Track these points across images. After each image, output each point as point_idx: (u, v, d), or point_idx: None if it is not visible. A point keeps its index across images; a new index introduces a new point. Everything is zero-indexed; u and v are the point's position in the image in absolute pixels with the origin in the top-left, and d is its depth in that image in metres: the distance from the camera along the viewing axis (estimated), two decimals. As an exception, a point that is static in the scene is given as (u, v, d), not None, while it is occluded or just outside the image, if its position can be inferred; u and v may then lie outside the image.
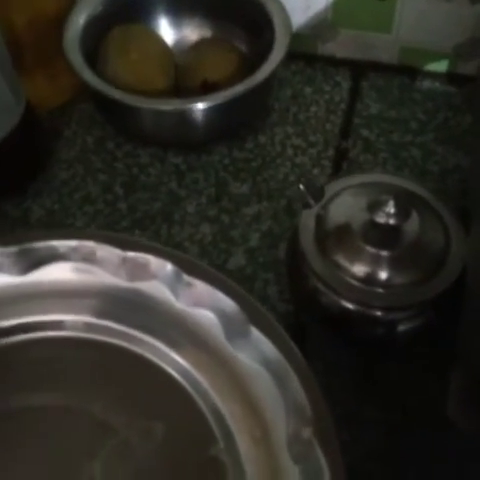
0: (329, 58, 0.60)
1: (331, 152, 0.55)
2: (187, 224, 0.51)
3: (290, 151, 0.55)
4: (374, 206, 0.40)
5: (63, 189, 0.53)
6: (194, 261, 0.32)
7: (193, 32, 0.59)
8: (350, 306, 0.42)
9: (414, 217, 0.41)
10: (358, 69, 0.60)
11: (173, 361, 0.30)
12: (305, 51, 0.60)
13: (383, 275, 0.41)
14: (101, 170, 0.54)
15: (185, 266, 0.32)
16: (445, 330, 0.40)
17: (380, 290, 0.41)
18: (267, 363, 0.29)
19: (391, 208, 0.39)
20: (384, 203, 0.40)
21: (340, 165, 0.54)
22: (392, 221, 0.40)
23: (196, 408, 0.30)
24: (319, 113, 0.57)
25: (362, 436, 0.40)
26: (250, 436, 0.29)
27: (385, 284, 0.41)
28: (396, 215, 0.39)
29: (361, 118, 0.57)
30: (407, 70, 0.59)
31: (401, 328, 0.42)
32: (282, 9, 0.54)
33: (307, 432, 0.27)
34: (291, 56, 0.58)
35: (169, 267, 0.31)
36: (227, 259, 0.49)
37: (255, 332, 0.30)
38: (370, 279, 0.41)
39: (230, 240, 0.50)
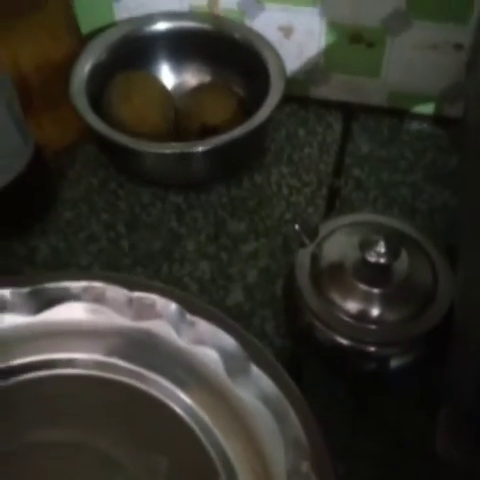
0: (322, 101, 0.63)
1: (324, 191, 0.57)
2: (187, 262, 0.53)
3: (285, 190, 0.57)
4: (365, 245, 0.42)
5: (68, 228, 0.55)
6: (196, 300, 0.34)
7: (193, 77, 0.62)
8: (344, 341, 0.44)
9: (403, 256, 0.43)
10: (349, 111, 0.63)
11: (178, 398, 0.32)
12: (299, 94, 0.63)
13: (375, 312, 0.43)
14: (104, 209, 0.56)
15: (188, 305, 0.34)
16: (435, 365, 0.42)
17: (372, 326, 0.43)
18: (266, 399, 0.31)
19: (381, 248, 0.42)
20: (375, 243, 0.42)
21: (333, 203, 0.57)
22: (383, 260, 0.42)
23: (199, 444, 0.32)
24: (312, 154, 0.60)
25: (357, 469, 0.42)
26: (251, 471, 0.31)
27: (377, 320, 0.43)
28: (386, 254, 0.42)
29: (352, 158, 0.59)
30: (396, 112, 0.62)
31: (393, 363, 0.44)
32: (277, 56, 0.57)
33: (305, 466, 0.29)
34: (286, 99, 0.61)
35: (173, 307, 0.33)
36: (226, 296, 0.51)
37: (255, 369, 0.32)
38: (362, 315, 0.43)
39: (228, 277, 0.52)
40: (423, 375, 0.43)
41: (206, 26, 0.59)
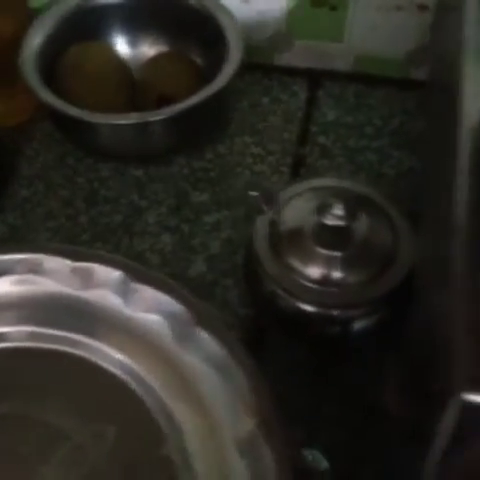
0: (286, 68, 0.62)
1: (289, 159, 0.56)
2: (148, 235, 0.52)
3: (249, 160, 0.56)
4: (323, 209, 0.41)
5: (25, 205, 0.54)
6: (141, 267, 0.33)
7: (150, 48, 0.60)
8: (306, 307, 0.43)
9: (362, 218, 0.42)
10: (314, 78, 0.61)
11: (122, 364, 0.31)
12: (262, 62, 0.62)
13: (336, 275, 0.42)
14: (62, 185, 0.55)
15: (132, 272, 0.32)
16: (398, 327, 0.41)
17: (334, 290, 0.42)
18: (214, 362, 0.30)
19: (339, 210, 0.40)
20: (332, 206, 0.41)
21: (298, 172, 0.55)
22: (340, 222, 0.41)
23: (146, 409, 0.30)
24: (277, 122, 0.58)
25: (319, 432, 0.41)
26: (199, 434, 0.30)
27: (338, 284, 0.42)
28: (344, 217, 0.40)
29: (318, 125, 0.58)
30: (362, 77, 0.60)
31: (356, 325, 0.43)
32: (235, 22, 0.55)
33: (251, 423, 0.28)
34: (248, 67, 0.59)
35: (117, 274, 0.32)
36: (188, 267, 0.50)
37: (202, 333, 0.31)
38: (324, 280, 0.42)
39: (190, 249, 0.51)
40: (385, 336, 0.42)
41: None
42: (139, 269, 0.33)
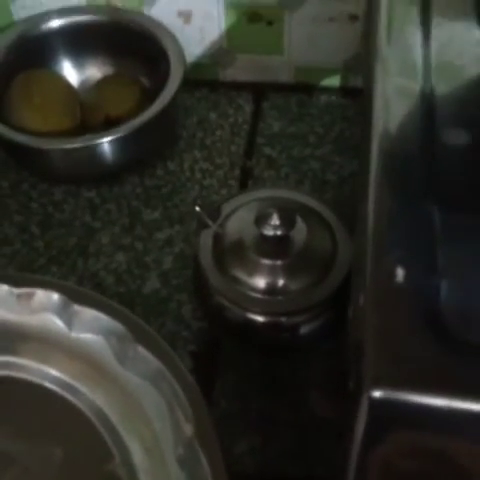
0: (231, 83, 0.63)
1: (237, 172, 0.57)
2: (102, 255, 0.53)
3: (198, 175, 0.58)
4: (261, 220, 0.43)
5: (-19, 233, 0.55)
6: (81, 289, 0.34)
7: (98, 71, 0.61)
8: (253, 316, 0.44)
9: (301, 226, 0.43)
10: (259, 91, 0.63)
11: (67, 385, 0.32)
12: (207, 78, 0.63)
13: (279, 283, 0.44)
14: (17, 211, 0.56)
15: (72, 295, 0.34)
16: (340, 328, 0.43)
17: (279, 298, 0.44)
18: (152, 376, 0.31)
19: (276, 220, 0.42)
20: (269, 216, 0.42)
21: (246, 184, 0.57)
22: (278, 232, 0.42)
23: (92, 428, 0.32)
24: (224, 136, 0.60)
25: (274, 437, 0.43)
26: (143, 447, 0.31)
27: (282, 291, 0.44)
28: (281, 226, 0.42)
29: (264, 137, 0.60)
30: (304, 88, 0.62)
31: (303, 330, 0.44)
32: (176, 42, 0.57)
33: (188, 430, 0.29)
34: (195, 84, 0.61)
35: (57, 297, 0.33)
36: (142, 284, 0.51)
37: (141, 349, 0.32)
38: (268, 289, 0.44)
39: (144, 266, 0.52)
40: (330, 338, 0.44)
41: (104, 18, 0.59)
42: (79, 291, 0.34)
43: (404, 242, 0.27)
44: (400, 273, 0.26)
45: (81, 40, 0.60)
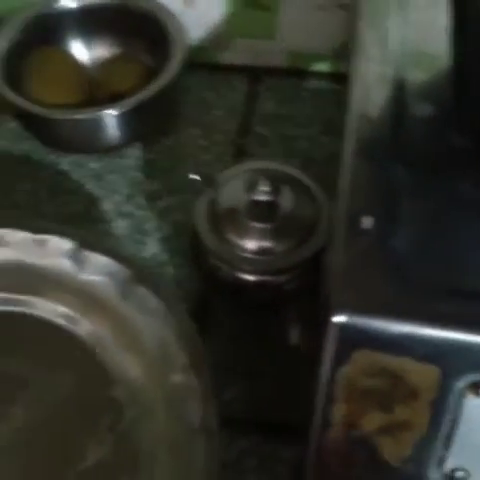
0: (228, 66, 0.67)
1: (231, 149, 0.62)
2: (104, 221, 0.57)
3: (196, 150, 0.62)
4: (252, 187, 0.47)
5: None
6: (91, 237, 0.39)
7: (106, 50, 0.65)
8: (244, 276, 0.49)
9: (287, 194, 0.48)
10: (254, 74, 0.67)
11: (74, 320, 0.37)
12: (207, 61, 0.67)
13: (267, 245, 0.48)
14: (27, 179, 0.60)
15: (84, 242, 0.38)
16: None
17: (267, 258, 0.48)
18: (153, 312, 0.36)
19: (265, 187, 0.47)
20: (258, 183, 0.47)
21: (240, 160, 0.61)
22: (267, 197, 0.47)
23: (96, 357, 0.36)
24: (221, 115, 0.64)
25: (261, 386, 0.47)
26: (142, 374, 0.36)
27: (270, 252, 0.48)
28: (269, 192, 0.47)
29: (257, 117, 0.64)
30: (296, 72, 0.67)
31: (287, 287, 0.49)
32: (178, 25, 0.61)
33: (184, 359, 0.34)
34: (195, 66, 0.65)
35: (69, 244, 0.38)
36: (142, 249, 0.56)
37: (143, 290, 0.37)
38: (258, 250, 0.48)
39: (144, 232, 0.57)
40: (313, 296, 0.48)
41: (113, 2, 0.63)
42: (90, 239, 0.39)
43: (371, 196, 0.32)
44: (366, 221, 0.30)
45: (91, 21, 0.64)
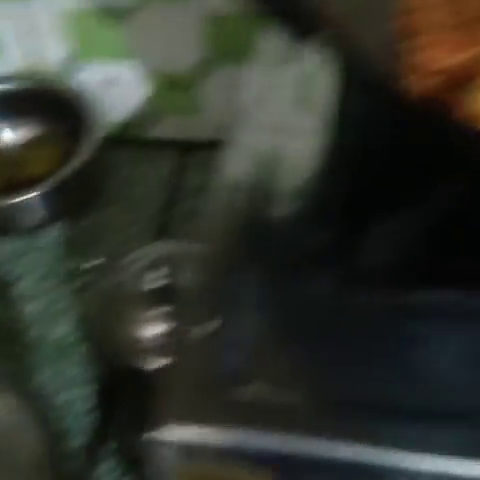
0: (155, 141, 0.68)
1: (154, 226, 0.61)
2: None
3: (118, 227, 0.61)
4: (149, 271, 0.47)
5: None
6: None
7: (28, 132, 0.66)
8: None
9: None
10: (181, 148, 0.67)
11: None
12: (134, 137, 0.68)
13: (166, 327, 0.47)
14: None
15: None
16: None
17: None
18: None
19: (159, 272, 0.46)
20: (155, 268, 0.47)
21: (160, 238, 0.60)
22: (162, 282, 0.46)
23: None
24: (145, 192, 0.64)
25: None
26: None
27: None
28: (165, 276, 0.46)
29: (184, 192, 0.64)
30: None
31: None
32: (97, 106, 0.62)
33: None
34: (122, 142, 0.66)
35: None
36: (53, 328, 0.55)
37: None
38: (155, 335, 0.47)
39: (57, 312, 0.56)
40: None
41: (34, 85, 0.64)
42: None
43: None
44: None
45: (17, 104, 0.65)
